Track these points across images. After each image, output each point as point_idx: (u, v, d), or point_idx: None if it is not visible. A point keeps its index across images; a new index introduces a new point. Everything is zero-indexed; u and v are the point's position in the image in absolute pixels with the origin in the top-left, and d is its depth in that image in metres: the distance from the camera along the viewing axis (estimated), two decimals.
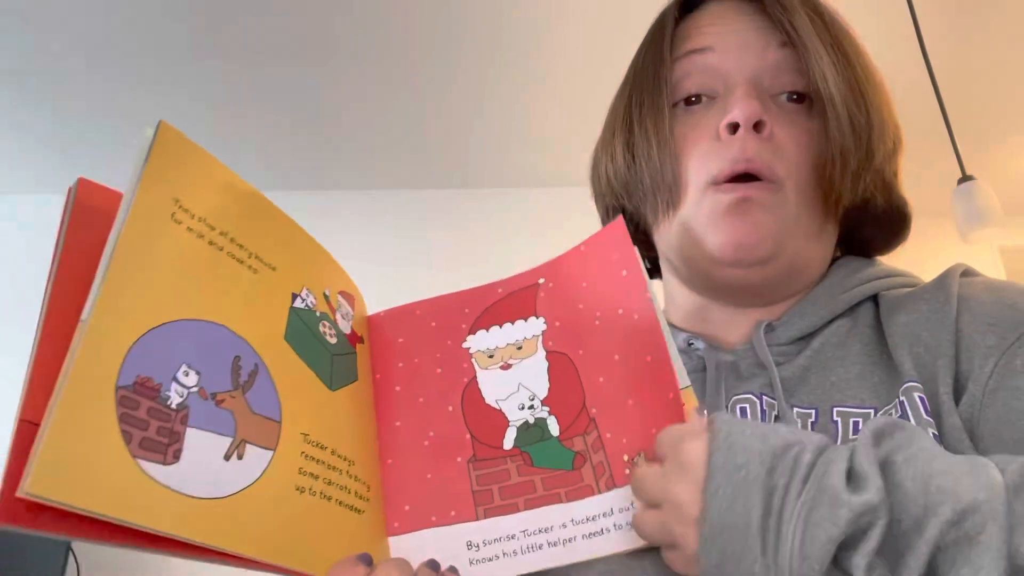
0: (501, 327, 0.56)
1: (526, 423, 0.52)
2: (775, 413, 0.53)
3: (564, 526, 0.47)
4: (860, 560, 0.36)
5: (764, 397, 0.54)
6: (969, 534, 0.34)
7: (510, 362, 0.54)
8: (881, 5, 2.03)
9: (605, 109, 0.65)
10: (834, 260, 0.62)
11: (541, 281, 0.56)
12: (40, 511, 0.35)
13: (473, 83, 2.33)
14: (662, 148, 0.57)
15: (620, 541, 0.46)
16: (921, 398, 0.49)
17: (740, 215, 0.53)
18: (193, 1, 1.95)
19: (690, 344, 0.60)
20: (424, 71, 2.27)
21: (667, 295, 0.66)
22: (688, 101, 0.58)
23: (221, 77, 2.24)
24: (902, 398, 0.49)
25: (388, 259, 2.72)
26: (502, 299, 0.57)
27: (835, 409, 0.52)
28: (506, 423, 0.53)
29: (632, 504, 0.47)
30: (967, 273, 0.55)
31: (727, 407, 0.55)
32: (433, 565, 0.47)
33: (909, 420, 0.48)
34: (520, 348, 0.54)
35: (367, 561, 0.45)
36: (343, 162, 2.70)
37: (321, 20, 2.04)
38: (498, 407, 0.53)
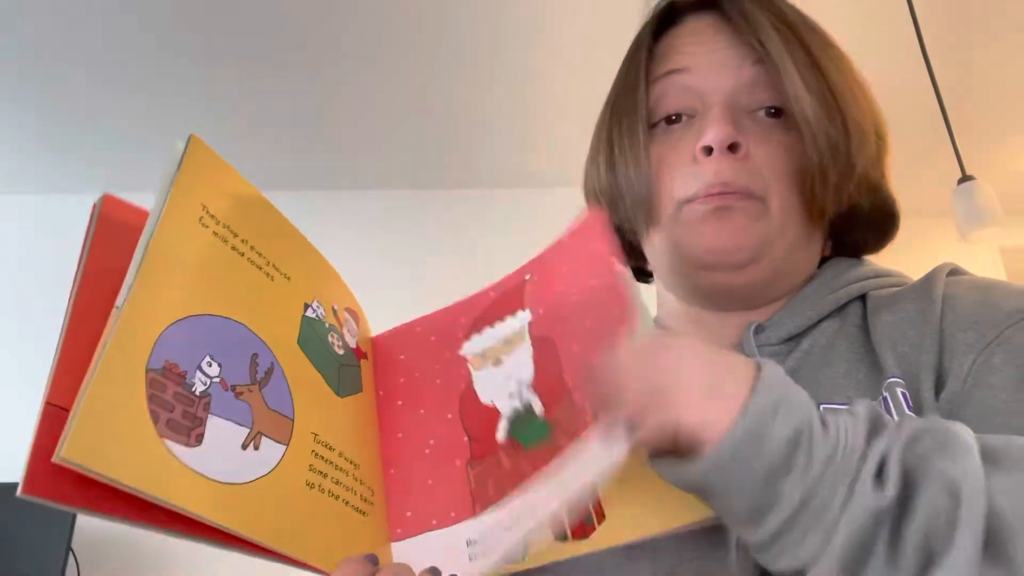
0: (493, 327, 0.57)
1: (516, 411, 0.52)
2: None
3: (547, 500, 0.47)
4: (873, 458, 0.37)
5: None
6: (941, 441, 0.37)
7: (501, 357, 0.55)
8: (882, 6, 2.03)
9: (595, 110, 0.66)
10: (824, 260, 0.62)
11: (528, 277, 0.57)
12: (64, 483, 0.37)
13: (472, 83, 2.33)
14: (639, 170, 0.58)
15: (596, 469, 0.44)
16: (904, 394, 0.49)
17: (720, 220, 0.55)
18: (192, 2, 1.96)
19: None
20: (423, 71, 2.27)
21: (658, 302, 0.67)
22: (669, 120, 0.59)
23: (220, 77, 2.24)
24: (885, 394, 0.50)
25: (387, 259, 2.72)
26: (493, 302, 0.58)
27: (822, 406, 0.52)
28: (499, 417, 0.53)
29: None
30: (955, 272, 0.56)
31: None
32: (434, 572, 0.47)
33: (892, 415, 0.49)
34: (509, 343, 0.55)
35: (374, 561, 0.46)
36: (342, 162, 2.70)
37: (321, 21, 2.04)
38: (492, 403, 0.54)
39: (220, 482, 0.42)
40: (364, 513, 0.50)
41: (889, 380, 0.50)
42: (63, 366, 0.40)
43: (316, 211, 2.78)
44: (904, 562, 0.35)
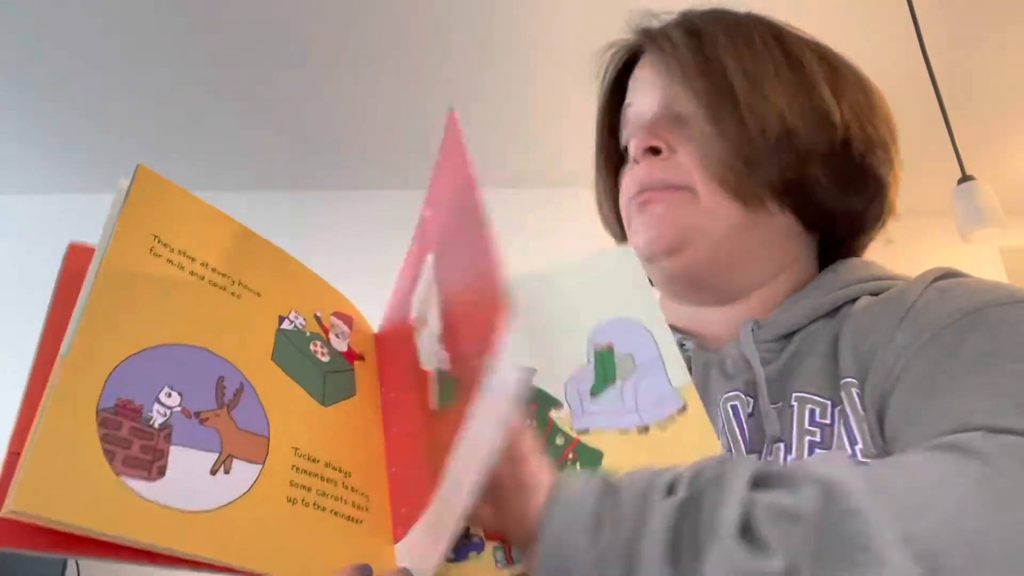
0: (417, 282, 0.54)
1: (437, 372, 0.49)
2: (748, 411, 0.57)
3: (462, 466, 0.42)
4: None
5: (746, 395, 0.58)
6: (716, 477, 0.38)
7: (426, 315, 0.52)
8: (881, 6, 2.03)
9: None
10: (834, 261, 0.64)
11: (427, 214, 0.54)
12: (33, 530, 0.36)
13: (467, 83, 2.33)
14: (606, 197, 0.70)
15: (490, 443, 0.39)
16: (858, 393, 0.52)
17: (642, 215, 0.62)
18: (193, 3, 1.96)
19: (682, 345, 0.63)
20: (420, 71, 2.27)
21: (663, 309, 0.69)
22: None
23: (219, 78, 2.24)
24: (843, 393, 0.53)
25: (386, 259, 2.72)
26: (415, 255, 0.56)
27: (794, 394, 0.56)
28: (430, 381, 0.50)
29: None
30: (947, 276, 0.56)
31: (719, 406, 0.58)
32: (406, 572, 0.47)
33: (848, 414, 0.53)
34: (428, 295, 0.52)
35: (366, 572, 0.45)
36: (339, 162, 2.70)
37: (320, 22, 2.04)
38: (428, 368, 0.51)
39: (188, 511, 0.41)
40: (358, 521, 0.49)
41: (844, 380, 0.53)
42: (25, 414, 0.40)
43: (313, 211, 2.78)
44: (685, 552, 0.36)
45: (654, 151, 0.61)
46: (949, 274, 0.56)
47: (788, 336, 0.59)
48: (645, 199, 0.61)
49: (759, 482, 0.38)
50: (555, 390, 0.54)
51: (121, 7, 1.96)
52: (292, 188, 2.76)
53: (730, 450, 0.57)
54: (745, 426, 0.57)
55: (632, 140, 0.63)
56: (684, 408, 0.51)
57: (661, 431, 0.51)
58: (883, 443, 0.50)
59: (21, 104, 2.31)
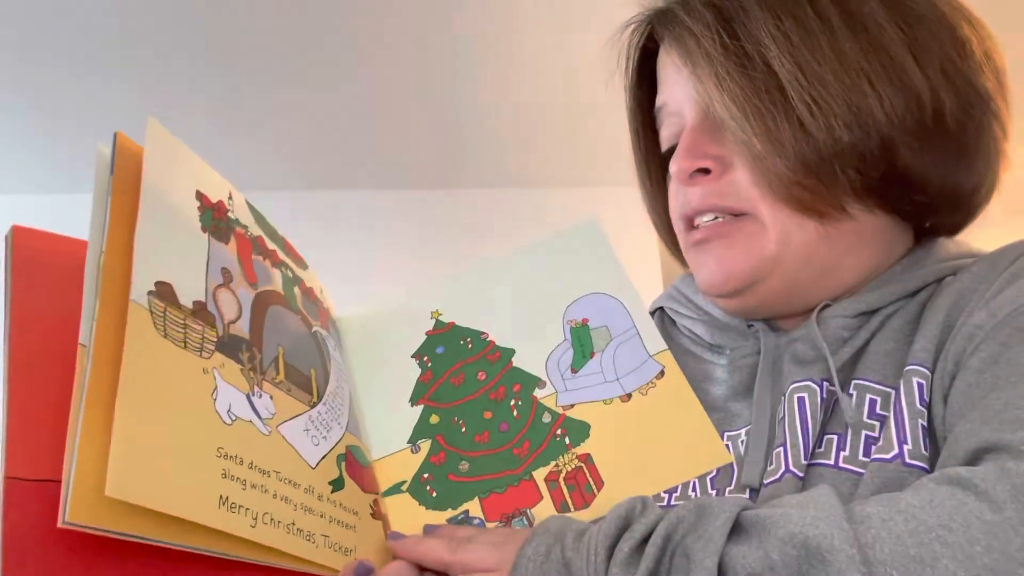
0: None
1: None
2: (818, 400, 0.51)
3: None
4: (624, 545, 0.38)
5: (825, 384, 0.51)
6: (696, 519, 0.38)
7: None
8: None
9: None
10: (925, 240, 0.58)
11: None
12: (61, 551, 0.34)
13: (462, 85, 2.33)
14: (653, 208, 0.63)
15: None
16: (919, 384, 0.47)
17: (703, 255, 0.55)
18: (193, 2, 1.96)
19: (749, 326, 0.58)
20: (421, 70, 2.27)
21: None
22: (671, 151, 0.58)
23: (218, 78, 2.24)
24: (902, 381, 0.48)
25: (384, 259, 2.72)
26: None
27: (854, 381, 0.50)
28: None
29: None
30: None
31: (785, 395, 0.52)
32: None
33: (903, 407, 0.47)
34: None
35: (368, 570, 0.46)
36: (338, 162, 2.70)
37: (317, 21, 2.04)
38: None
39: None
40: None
41: (908, 367, 0.48)
42: (16, 433, 0.36)
43: (312, 211, 2.78)
44: None
45: (703, 171, 0.53)
46: None
47: (868, 314, 0.53)
48: (701, 237, 0.54)
49: (736, 530, 0.37)
50: (536, 370, 0.57)
51: (122, 6, 1.96)
52: (291, 188, 2.76)
53: (784, 444, 0.50)
54: (808, 420, 0.50)
55: (672, 164, 0.54)
56: (662, 373, 0.54)
57: (643, 396, 0.54)
58: (932, 444, 0.45)
59: (21, 104, 2.31)
